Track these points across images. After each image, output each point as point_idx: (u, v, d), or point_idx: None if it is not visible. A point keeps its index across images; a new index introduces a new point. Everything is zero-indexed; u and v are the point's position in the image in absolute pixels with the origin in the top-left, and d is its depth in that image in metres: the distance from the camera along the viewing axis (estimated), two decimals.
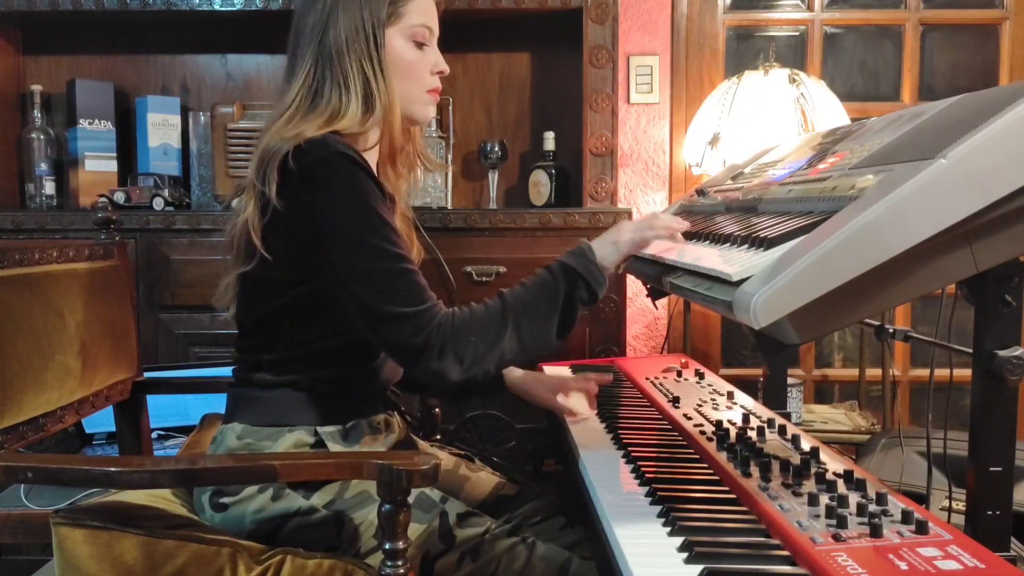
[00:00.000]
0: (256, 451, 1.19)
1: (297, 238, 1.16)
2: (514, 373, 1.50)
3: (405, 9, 1.24)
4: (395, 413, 1.35)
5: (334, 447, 1.20)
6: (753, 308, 0.81)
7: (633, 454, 1.20)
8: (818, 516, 0.90)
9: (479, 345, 1.12)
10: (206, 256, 2.19)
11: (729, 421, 1.31)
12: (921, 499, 1.44)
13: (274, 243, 1.17)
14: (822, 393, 2.82)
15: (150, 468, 1.11)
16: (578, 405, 1.45)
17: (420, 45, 1.27)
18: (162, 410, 2.05)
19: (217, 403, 1.88)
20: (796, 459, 1.09)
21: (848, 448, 2.20)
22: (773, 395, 1.69)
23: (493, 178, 2.54)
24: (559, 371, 1.82)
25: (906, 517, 0.88)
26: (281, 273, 1.19)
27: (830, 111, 2.26)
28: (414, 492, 1.09)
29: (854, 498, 0.93)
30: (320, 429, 1.21)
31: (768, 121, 2.23)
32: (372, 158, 1.28)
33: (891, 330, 1.33)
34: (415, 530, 1.14)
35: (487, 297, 1.18)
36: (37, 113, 2.49)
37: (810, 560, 0.80)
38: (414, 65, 1.26)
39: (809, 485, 1.00)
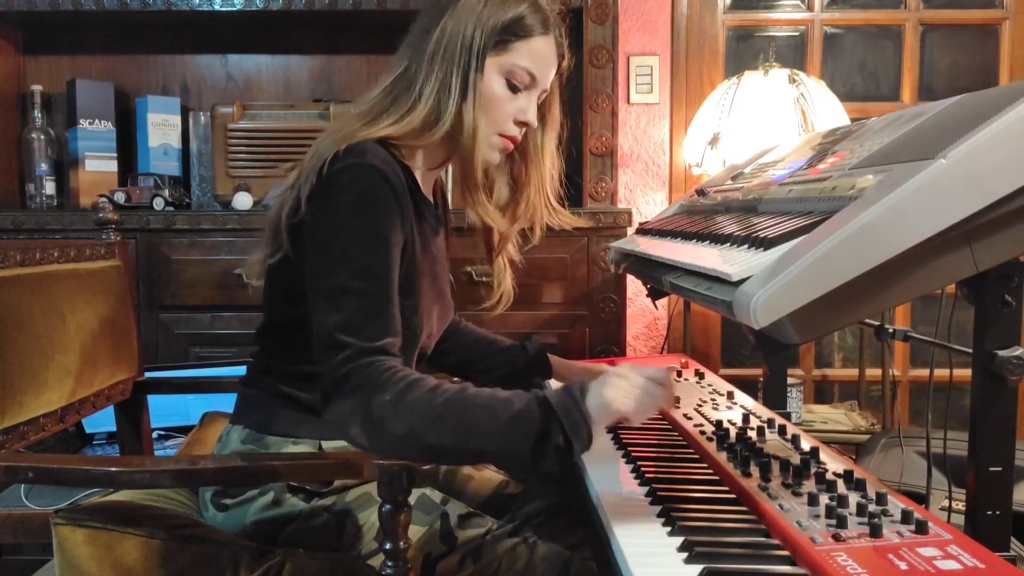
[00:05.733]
0: None
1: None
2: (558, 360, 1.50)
3: (515, 46, 1.16)
4: None
5: None
6: (753, 308, 0.81)
7: (633, 454, 1.20)
8: (818, 516, 0.90)
9: (397, 421, 0.98)
10: (206, 256, 2.19)
11: (729, 421, 1.31)
12: (921, 499, 1.44)
13: (298, 245, 1.14)
14: (822, 393, 2.82)
15: (150, 468, 1.11)
16: None
17: (514, 88, 1.18)
18: (162, 410, 2.06)
19: (217, 403, 1.89)
20: (796, 459, 1.09)
21: (848, 448, 2.20)
22: (773, 395, 1.69)
23: None
24: None
25: (906, 517, 0.88)
26: (299, 281, 1.14)
27: (830, 111, 2.27)
28: (415, 494, 1.09)
29: (854, 498, 0.93)
30: (325, 444, 1.19)
31: (768, 121, 2.24)
32: (429, 176, 1.26)
33: (891, 330, 1.33)
34: (416, 531, 1.14)
35: (454, 378, 1.10)
36: (37, 113, 2.49)
37: (810, 560, 0.80)
38: (496, 103, 1.16)
39: (809, 485, 1.00)
